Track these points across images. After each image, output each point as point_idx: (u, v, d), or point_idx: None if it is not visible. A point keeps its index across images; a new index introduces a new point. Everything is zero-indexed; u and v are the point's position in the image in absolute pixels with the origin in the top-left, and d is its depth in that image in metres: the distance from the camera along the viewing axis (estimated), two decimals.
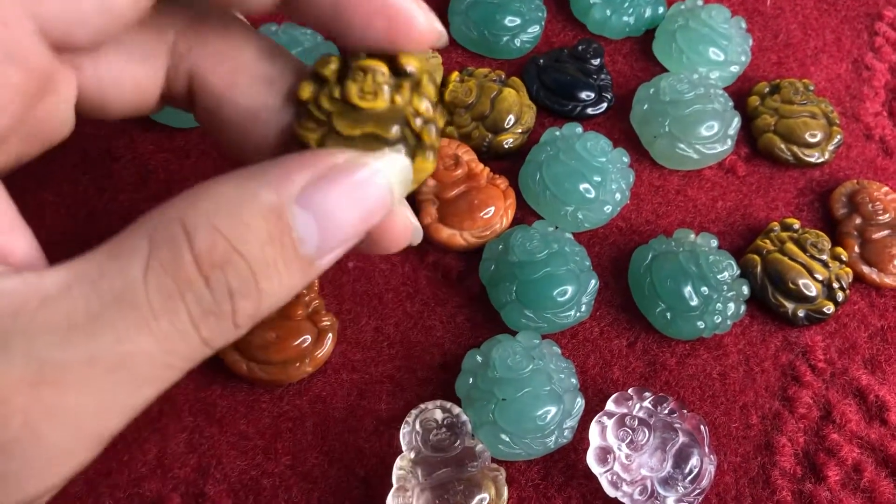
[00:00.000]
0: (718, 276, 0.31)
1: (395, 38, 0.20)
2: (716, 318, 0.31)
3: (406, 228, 0.23)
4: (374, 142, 0.20)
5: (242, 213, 0.17)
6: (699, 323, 0.31)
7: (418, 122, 0.21)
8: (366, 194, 0.19)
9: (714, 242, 0.33)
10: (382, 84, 0.20)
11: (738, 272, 0.32)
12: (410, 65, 0.21)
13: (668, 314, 0.31)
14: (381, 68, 0.20)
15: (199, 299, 0.17)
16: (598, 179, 0.33)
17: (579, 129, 0.34)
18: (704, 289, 0.31)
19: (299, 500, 0.28)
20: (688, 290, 0.31)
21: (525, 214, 0.34)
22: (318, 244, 0.18)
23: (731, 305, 0.31)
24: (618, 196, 0.33)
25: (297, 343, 0.29)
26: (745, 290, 0.32)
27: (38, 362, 0.16)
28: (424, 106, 0.21)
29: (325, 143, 0.20)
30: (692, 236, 0.33)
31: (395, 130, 0.20)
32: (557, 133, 0.34)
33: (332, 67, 0.20)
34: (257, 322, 0.18)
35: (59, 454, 0.17)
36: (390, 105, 0.20)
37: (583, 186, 0.33)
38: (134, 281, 0.16)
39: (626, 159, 0.34)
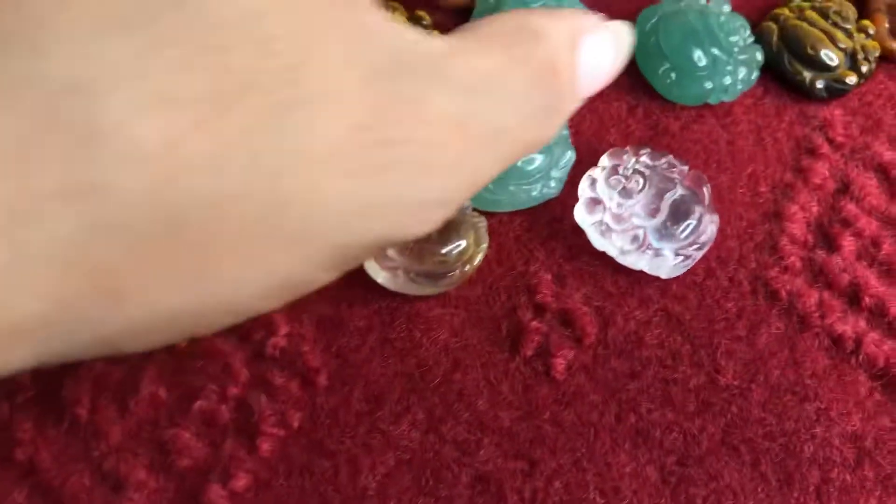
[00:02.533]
0: (730, 38, 0.28)
1: None
2: (725, 79, 0.28)
3: None
4: None
5: (556, 31, 0.19)
6: (707, 84, 0.28)
7: None
8: (619, 51, 0.21)
9: (727, 7, 0.30)
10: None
11: (752, 38, 0.29)
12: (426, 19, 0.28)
13: (673, 74, 0.28)
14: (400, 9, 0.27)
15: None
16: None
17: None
18: (715, 50, 0.28)
19: None
20: (696, 50, 0.28)
21: None
22: (587, 81, 0.20)
23: (743, 69, 0.28)
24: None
25: None
26: (759, 55, 0.29)
27: (459, 113, 0.17)
28: None
29: None
30: (703, 0, 0.30)
31: None
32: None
33: None
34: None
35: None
36: None
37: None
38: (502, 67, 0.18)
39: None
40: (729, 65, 0.28)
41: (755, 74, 0.29)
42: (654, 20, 0.29)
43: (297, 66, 0.14)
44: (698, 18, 0.29)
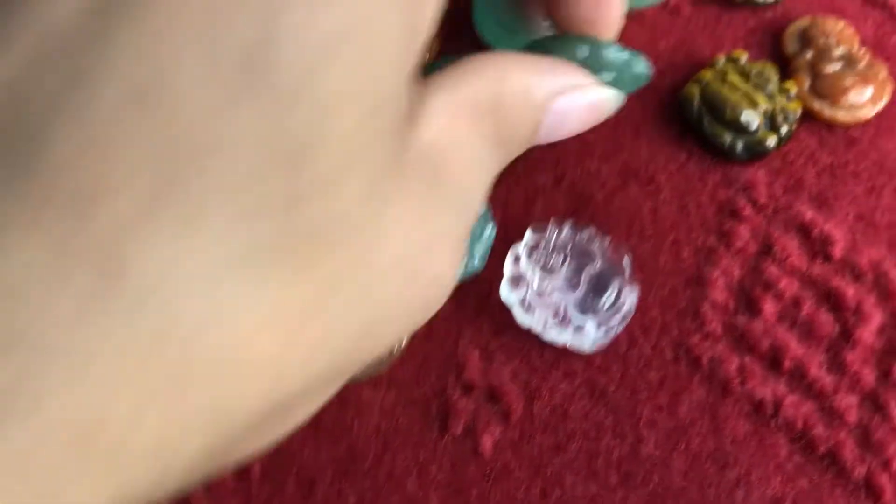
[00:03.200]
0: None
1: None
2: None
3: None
4: None
5: (530, 94, 0.20)
6: None
7: None
8: (592, 113, 0.22)
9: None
10: None
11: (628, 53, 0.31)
12: None
13: None
14: None
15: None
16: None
17: None
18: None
19: None
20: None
21: None
22: (544, 135, 0.21)
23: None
24: None
25: None
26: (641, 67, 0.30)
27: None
28: None
29: None
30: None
31: None
32: None
33: None
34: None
35: None
36: None
37: None
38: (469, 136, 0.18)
39: None
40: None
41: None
42: None
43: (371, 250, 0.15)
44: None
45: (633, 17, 0.33)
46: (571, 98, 0.21)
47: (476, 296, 0.27)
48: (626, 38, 0.33)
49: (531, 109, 0.20)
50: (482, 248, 0.27)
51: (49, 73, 0.12)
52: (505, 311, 0.27)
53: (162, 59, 0.12)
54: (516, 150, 0.20)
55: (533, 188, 0.29)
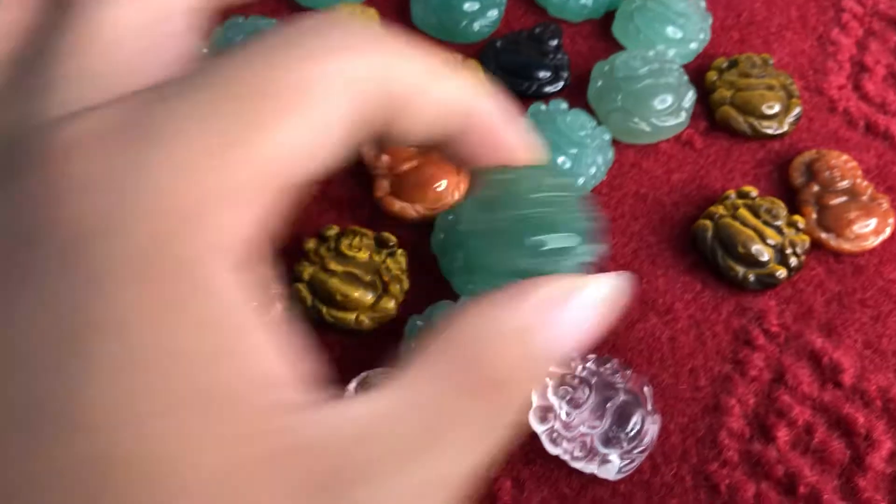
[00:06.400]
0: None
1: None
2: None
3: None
4: (352, 279, 0.31)
5: (511, 345, 0.18)
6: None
7: (387, 276, 0.31)
8: (603, 313, 0.20)
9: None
10: (366, 244, 0.31)
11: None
12: (392, 241, 0.32)
13: None
14: (368, 234, 0.32)
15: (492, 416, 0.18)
16: (573, 152, 0.34)
17: (564, 106, 0.35)
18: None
19: None
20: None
21: None
22: (556, 354, 0.19)
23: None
24: (593, 170, 0.34)
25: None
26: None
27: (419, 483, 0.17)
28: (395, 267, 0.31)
29: (315, 277, 0.31)
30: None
31: (368, 277, 0.31)
32: (542, 108, 0.35)
33: (332, 232, 0.32)
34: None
35: None
36: (369, 260, 0.31)
37: (559, 159, 0.34)
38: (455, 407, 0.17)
39: (606, 137, 0.35)
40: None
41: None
42: None
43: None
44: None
45: (649, 151, 0.36)
46: (565, 304, 0.19)
47: None
48: (642, 170, 0.35)
49: (518, 341, 0.18)
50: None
51: None
52: (535, 438, 0.29)
53: None
54: (509, 414, 0.18)
55: None
